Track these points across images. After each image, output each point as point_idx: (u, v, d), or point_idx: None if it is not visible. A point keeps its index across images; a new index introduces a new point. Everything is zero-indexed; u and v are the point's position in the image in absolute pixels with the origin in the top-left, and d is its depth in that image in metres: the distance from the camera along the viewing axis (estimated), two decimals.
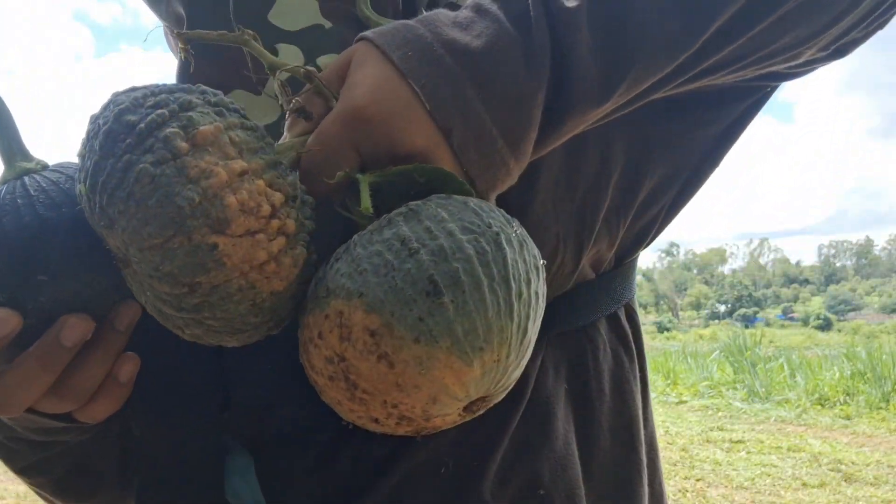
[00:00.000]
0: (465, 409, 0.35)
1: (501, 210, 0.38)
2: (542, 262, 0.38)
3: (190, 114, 0.32)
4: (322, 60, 0.49)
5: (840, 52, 0.52)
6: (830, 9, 0.47)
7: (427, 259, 0.32)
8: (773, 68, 0.50)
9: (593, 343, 0.55)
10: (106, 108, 0.33)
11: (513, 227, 0.36)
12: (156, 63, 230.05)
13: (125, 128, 0.31)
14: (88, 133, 0.33)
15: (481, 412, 0.36)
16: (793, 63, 0.51)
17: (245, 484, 0.53)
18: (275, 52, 0.49)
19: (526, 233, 0.38)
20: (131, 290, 0.38)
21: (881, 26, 0.52)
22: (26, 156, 0.42)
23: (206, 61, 0.49)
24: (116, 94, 0.34)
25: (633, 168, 0.54)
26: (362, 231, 0.36)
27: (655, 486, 0.60)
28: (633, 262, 0.61)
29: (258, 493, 0.52)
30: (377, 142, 0.38)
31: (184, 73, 0.52)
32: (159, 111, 0.31)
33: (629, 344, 0.59)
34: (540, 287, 0.37)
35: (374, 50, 0.40)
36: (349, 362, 0.32)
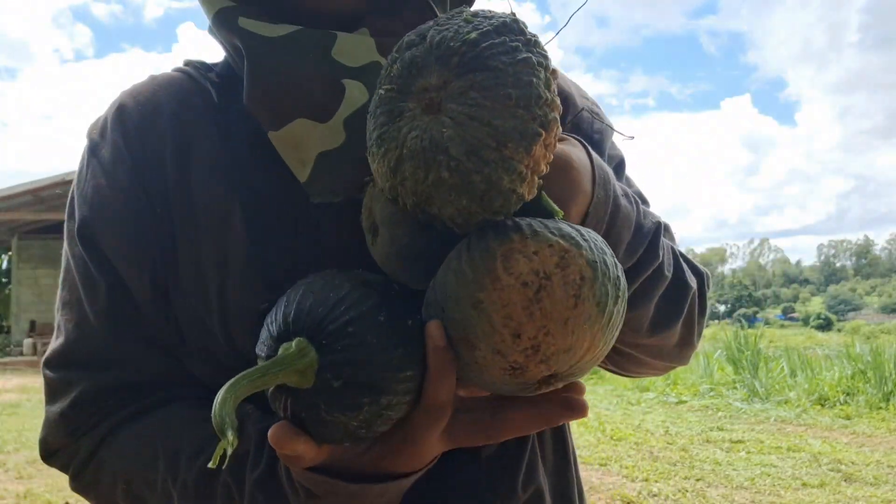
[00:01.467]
0: (542, 380, 0.42)
1: None
2: None
3: (550, 63, 0.43)
4: None
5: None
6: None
7: (612, 262, 0.43)
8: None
9: None
10: (488, 15, 0.43)
11: None
12: (157, 62, 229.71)
13: (518, 31, 0.42)
14: (477, 13, 0.43)
15: (545, 389, 0.43)
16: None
17: None
18: (342, 87, 0.54)
19: None
20: (392, 133, 0.43)
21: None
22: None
23: (271, 86, 0.54)
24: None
25: None
26: (555, 220, 0.45)
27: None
28: None
29: None
30: (559, 185, 0.48)
31: (251, 98, 0.55)
32: (539, 43, 0.42)
33: None
34: None
35: (590, 163, 0.52)
36: (552, 282, 0.40)
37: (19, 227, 18.16)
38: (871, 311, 74.20)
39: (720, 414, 7.01)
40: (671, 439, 5.73)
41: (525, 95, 0.39)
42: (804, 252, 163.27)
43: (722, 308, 79.78)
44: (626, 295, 0.44)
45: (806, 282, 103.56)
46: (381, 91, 0.43)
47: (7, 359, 16.27)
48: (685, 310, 0.64)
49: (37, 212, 16.68)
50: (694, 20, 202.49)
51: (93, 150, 0.62)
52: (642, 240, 0.57)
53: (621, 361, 0.69)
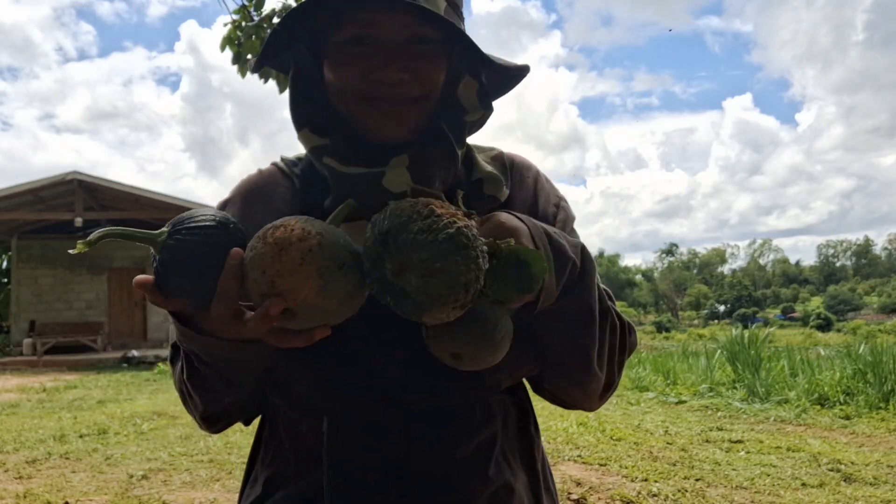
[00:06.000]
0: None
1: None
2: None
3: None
4: None
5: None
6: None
7: (346, 253, 0.66)
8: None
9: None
10: (429, 216, 0.64)
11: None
12: (158, 62, 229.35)
13: (434, 218, 0.62)
14: (425, 222, 0.62)
15: (284, 318, 0.67)
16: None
17: None
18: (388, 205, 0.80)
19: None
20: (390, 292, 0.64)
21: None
22: None
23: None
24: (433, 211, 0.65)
25: None
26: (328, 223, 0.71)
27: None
28: None
29: None
30: (501, 236, 0.72)
31: (333, 204, 0.84)
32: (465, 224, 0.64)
33: (523, 396, 1.00)
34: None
35: (518, 220, 0.76)
36: (291, 247, 0.64)
37: (19, 227, 18.16)
38: (870, 311, 74.13)
39: (720, 414, 7.01)
40: (671, 439, 5.73)
41: (467, 252, 0.61)
42: (804, 252, 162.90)
43: (721, 308, 79.78)
44: (355, 279, 0.65)
45: (806, 282, 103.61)
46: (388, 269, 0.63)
47: (7, 359, 16.26)
48: (616, 353, 0.88)
49: (37, 212, 16.68)
50: (698, 19, 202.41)
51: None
52: (592, 270, 0.82)
53: (560, 396, 0.94)
